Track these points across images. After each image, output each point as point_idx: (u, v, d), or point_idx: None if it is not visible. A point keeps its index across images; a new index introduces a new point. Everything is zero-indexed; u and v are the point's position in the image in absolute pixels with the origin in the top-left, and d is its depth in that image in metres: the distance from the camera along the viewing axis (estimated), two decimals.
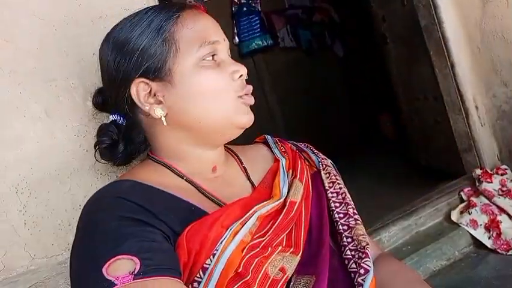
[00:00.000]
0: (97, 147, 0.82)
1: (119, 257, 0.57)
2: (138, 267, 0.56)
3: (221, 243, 0.64)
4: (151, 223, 0.62)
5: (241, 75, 0.74)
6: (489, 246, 1.68)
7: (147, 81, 0.71)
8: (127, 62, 0.71)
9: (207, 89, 0.70)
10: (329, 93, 3.90)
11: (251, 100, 0.76)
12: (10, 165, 0.97)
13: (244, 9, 3.61)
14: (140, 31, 0.71)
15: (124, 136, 0.79)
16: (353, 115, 4.03)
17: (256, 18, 3.64)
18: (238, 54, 3.55)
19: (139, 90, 0.72)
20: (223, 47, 0.75)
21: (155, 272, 0.57)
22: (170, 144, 0.75)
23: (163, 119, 0.72)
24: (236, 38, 3.61)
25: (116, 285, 0.55)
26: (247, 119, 0.75)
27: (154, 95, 0.72)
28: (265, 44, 3.66)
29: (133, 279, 0.56)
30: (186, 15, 0.72)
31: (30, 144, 0.98)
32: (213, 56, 0.72)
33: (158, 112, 0.72)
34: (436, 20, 1.92)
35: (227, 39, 0.77)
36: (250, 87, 0.76)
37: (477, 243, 1.73)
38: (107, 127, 0.80)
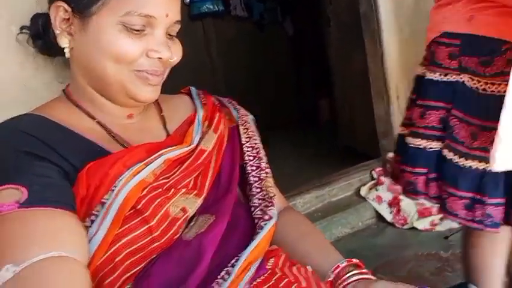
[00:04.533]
0: (22, 29, 0.81)
1: (7, 186, 0.58)
2: (25, 196, 0.58)
3: (120, 180, 0.66)
4: (49, 159, 0.64)
5: (159, 58, 0.71)
6: (389, 220, 1.89)
7: (68, 9, 0.70)
8: None
9: (113, 51, 0.68)
10: (274, 69, 3.98)
11: (152, 79, 0.73)
12: None
13: None
14: None
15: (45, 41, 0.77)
16: (295, 94, 4.16)
17: None
18: (188, 15, 3.50)
19: (58, 12, 0.70)
20: (160, 23, 0.70)
21: (41, 203, 0.59)
22: (84, 85, 0.74)
23: (66, 50, 0.72)
24: None
25: (0, 211, 0.56)
26: (142, 93, 0.73)
27: (69, 25, 0.70)
28: (216, 9, 3.62)
29: (18, 208, 0.57)
30: None
31: None
32: (140, 28, 0.68)
33: (64, 42, 0.71)
34: (374, 8, 2.04)
35: (176, 13, 0.72)
36: (160, 69, 0.73)
37: (379, 217, 1.93)
38: (36, 18, 0.78)
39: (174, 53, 0.74)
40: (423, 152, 1.00)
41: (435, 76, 1.01)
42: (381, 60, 2.11)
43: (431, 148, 1.00)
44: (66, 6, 0.69)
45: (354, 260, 0.81)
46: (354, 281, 0.77)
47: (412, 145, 1.02)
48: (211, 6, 3.62)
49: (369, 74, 2.19)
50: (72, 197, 0.64)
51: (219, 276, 0.69)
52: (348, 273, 0.78)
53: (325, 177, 1.98)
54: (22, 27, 0.81)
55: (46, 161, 0.63)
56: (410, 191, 1.04)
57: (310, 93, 4.11)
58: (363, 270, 0.80)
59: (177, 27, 0.74)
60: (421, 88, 1.05)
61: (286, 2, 4.08)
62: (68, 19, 0.70)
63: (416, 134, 1.02)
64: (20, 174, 0.60)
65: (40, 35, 0.78)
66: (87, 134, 0.72)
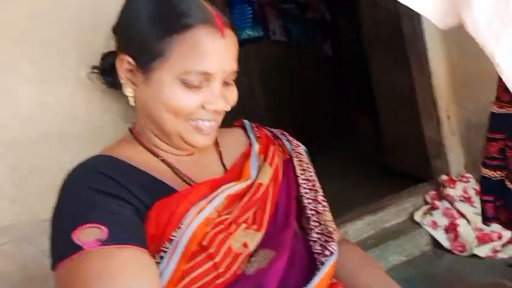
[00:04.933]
0: (93, 68, 0.86)
1: (89, 225, 0.62)
2: (105, 235, 0.61)
3: (186, 218, 0.69)
4: (122, 197, 0.67)
5: (214, 110, 0.74)
6: (446, 246, 1.81)
7: (133, 62, 0.73)
8: (130, 34, 0.73)
9: (171, 105, 0.72)
10: (314, 90, 3.98)
11: (205, 129, 0.75)
12: (2, 124, 1.00)
13: None
14: (147, 16, 0.70)
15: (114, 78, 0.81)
16: (336, 114, 4.13)
17: (250, 8, 3.67)
18: None
19: (123, 64, 0.74)
20: (217, 77, 0.72)
21: (120, 241, 0.62)
22: (146, 128, 0.78)
23: (130, 99, 0.76)
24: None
25: (83, 249, 0.60)
26: (197, 141, 0.76)
27: (133, 76, 0.74)
28: (256, 35, 3.69)
29: (100, 245, 0.60)
30: (196, 32, 0.68)
31: (23, 105, 1.02)
32: (198, 84, 0.71)
33: (128, 91, 0.76)
34: (419, 31, 2.02)
35: (233, 65, 0.73)
36: (214, 118, 0.76)
37: (436, 243, 1.85)
38: (106, 57, 0.83)
39: (229, 101, 0.77)
40: (489, 181, 1.06)
41: (494, 109, 1.08)
42: (429, 79, 2.08)
43: (495, 177, 1.06)
44: (130, 59, 0.73)
45: None
46: None
47: (482, 174, 1.09)
48: (251, 33, 3.70)
49: (417, 94, 2.15)
50: (144, 234, 0.67)
51: None
52: None
53: (376, 202, 1.93)
54: (93, 67, 0.86)
55: (120, 199, 0.67)
56: (483, 218, 1.11)
57: (349, 112, 4.07)
58: None
59: (234, 75, 0.76)
60: (488, 121, 1.13)
61: (325, 24, 4.10)
62: (132, 70, 0.74)
63: (484, 164, 1.09)
64: (99, 213, 0.64)
65: (109, 72, 0.82)
66: (153, 172, 0.75)
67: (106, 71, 0.83)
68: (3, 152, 1.01)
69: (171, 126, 0.74)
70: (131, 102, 0.76)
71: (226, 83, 0.75)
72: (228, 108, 0.77)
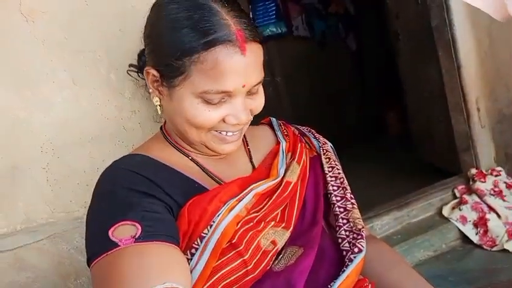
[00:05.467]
0: (130, 66, 0.88)
1: (124, 222, 0.64)
2: (140, 232, 0.64)
3: (218, 216, 0.71)
4: (155, 195, 0.69)
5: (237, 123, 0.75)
6: (475, 241, 1.77)
7: (157, 75, 0.74)
8: (154, 49, 0.75)
9: (193, 120, 0.73)
10: (338, 85, 3.94)
11: (229, 139, 0.76)
12: (37, 127, 1.06)
13: None
14: (169, 33, 0.70)
15: None
16: (361, 108, 4.08)
17: (273, 4, 3.67)
18: None
19: (150, 74, 0.76)
20: (237, 93, 0.72)
21: (154, 237, 0.64)
22: (173, 124, 0.79)
23: (158, 108, 0.78)
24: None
25: (119, 246, 0.62)
26: (221, 149, 0.77)
27: (160, 85, 0.76)
28: (279, 31, 3.69)
29: (134, 242, 0.63)
30: (216, 52, 0.67)
31: (57, 109, 1.07)
32: (218, 101, 0.71)
33: (155, 100, 0.78)
34: (447, 22, 1.97)
35: (254, 79, 0.72)
36: (237, 130, 0.76)
37: (464, 238, 1.81)
38: (141, 55, 0.84)
39: (254, 110, 0.77)
40: None
41: None
42: (458, 72, 2.02)
43: None
44: (155, 72, 0.74)
45: None
46: None
47: None
48: (274, 29, 3.70)
49: (445, 87, 2.10)
50: (177, 231, 0.69)
51: None
52: None
53: (403, 197, 1.91)
54: (130, 65, 0.87)
55: (153, 197, 0.69)
56: None
57: (376, 108, 4.01)
58: None
59: (258, 86, 0.75)
60: None
61: (348, 18, 4.05)
62: (158, 81, 0.75)
63: None
64: (133, 210, 0.66)
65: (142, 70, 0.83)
66: (184, 171, 0.77)
67: (142, 69, 0.83)
68: (40, 155, 1.06)
69: (194, 137, 0.76)
70: (159, 110, 0.78)
71: (251, 92, 0.75)
72: (251, 118, 0.78)
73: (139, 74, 0.85)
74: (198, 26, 0.68)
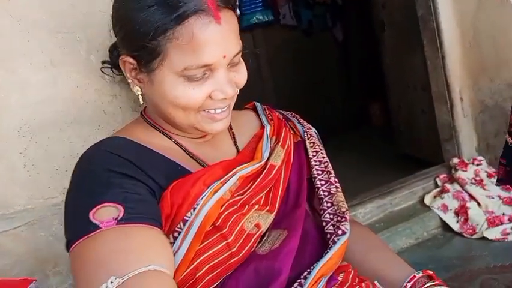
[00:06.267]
0: (104, 63, 0.86)
1: (105, 204, 0.63)
2: (122, 213, 0.62)
3: (201, 198, 0.70)
4: (137, 178, 0.68)
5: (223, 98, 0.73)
6: (456, 229, 1.80)
7: (134, 63, 0.72)
8: (125, 35, 0.72)
9: (178, 101, 0.70)
10: (323, 75, 3.95)
11: (220, 116, 0.74)
12: (13, 109, 1.03)
13: None
14: (136, 15, 0.67)
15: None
16: (345, 99, 4.10)
17: None
18: None
19: (126, 63, 0.73)
20: (219, 65, 0.69)
21: (137, 219, 0.63)
22: (158, 110, 0.78)
23: (139, 97, 0.76)
24: (237, 10, 3.61)
25: (100, 228, 0.61)
26: (211, 128, 0.75)
27: (138, 74, 0.73)
28: (266, 19, 3.66)
29: (116, 224, 0.61)
30: (189, 25, 0.65)
31: (34, 91, 1.04)
32: (201, 75, 0.69)
33: (136, 89, 0.76)
34: (433, 11, 1.98)
35: (233, 48, 0.70)
36: (225, 105, 0.74)
37: (445, 226, 1.85)
38: (112, 50, 0.82)
39: (239, 83, 0.75)
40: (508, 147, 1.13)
41: None
42: (442, 63, 2.04)
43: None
44: (131, 59, 0.72)
45: (429, 271, 0.80)
46: None
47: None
48: (261, 17, 3.66)
49: (430, 76, 2.12)
50: (159, 214, 0.68)
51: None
52: (425, 284, 0.78)
53: (386, 185, 1.93)
54: (103, 61, 0.86)
55: (135, 179, 0.68)
56: (496, 180, 1.21)
57: (360, 99, 4.04)
58: (439, 282, 0.79)
59: (238, 56, 0.73)
60: None
61: (335, 8, 4.04)
62: (136, 69, 0.73)
63: (509, 133, 1.14)
64: (114, 192, 0.64)
65: (117, 64, 0.82)
66: (167, 153, 0.76)
67: (116, 64, 0.81)
68: (16, 138, 1.03)
69: (182, 120, 0.74)
70: (141, 99, 0.76)
71: (232, 64, 0.73)
72: (237, 91, 0.76)
73: (113, 70, 0.84)
74: (166, 1, 0.65)
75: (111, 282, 0.56)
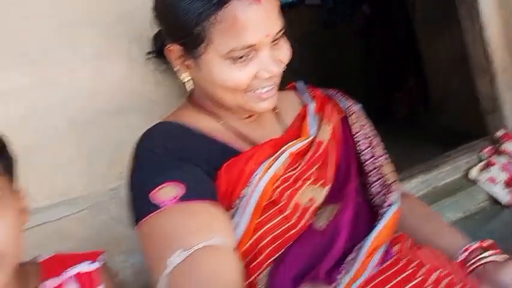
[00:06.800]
0: (149, 54, 0.91)
1: (167, 183, 0.66)
2: (184, 191, 0.65)
3: (256, 175, 0.73)
4: (191, 160, 0.72)
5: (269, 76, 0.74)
6: (506, 201, 1.75)
7: (180, 49, 0.75)
8: (170, 24, 0.75)
9: (226, 84, 0.72)
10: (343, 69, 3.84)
11: (267, 94, 0.76)
12: (66, 101, 1.07)
13: None
14: (185, 6, 0.69)
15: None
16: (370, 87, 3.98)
17: None
18: None
19: (172, 52, 0.76)
20: (262, 45, 0.71)
21: (198, 196, 0.66)
22: (206, 94, 0.80)
23: (187, 84, 0.79)
24: None
25: (163, 206, 0.64)
26: (259, 107, 0.77)
27: (185, 60, 0.76)
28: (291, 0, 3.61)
29: (180, 201, 0.64)
30: (231, 8, 0.67)
31: (84, 83, 1.08)
32: (245, 55, 0.71)
33: (184, 76, 0.79)
34: None
35: (275, 27, 0.72)
36: (272, 84, 0.76)
37: (493, 199, 1.79)
38: (156, 38, 0.87)
39: (283, 60, 0.77)
40: None
41: None
42: (480, 33, 1.96)
43: None
44: (178, 47, 0.75)
45: (485, 243, 0.80)
46: (487, 262, 0.76)
47: None
48: None
49: (469, 50, 2.04)
50: (215, 192, 0.71)
51: (345, 261, 0.73)
52: (479, 255, 0.77)
53: (429, 160, 1.89)
54: (148, 52, 0.90)
55: (190, 162, 0.71)
56: None
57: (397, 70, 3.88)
58: (497, 251, 0.78)
59: (280, 33, 0.75)
60: None
61: None
62: (183, 55, 0.76)
63: None
64: (175, 171, 0.68)
65: (162, 54, 0.85)
66: (216, 136, 0.79)
67: (161, 53, 0.84)
68: (69, 128, 1.08)
69: (230, 101, 0.76)
70: (189, 86, 0.79)
71: (275, 42, 0.74)
72: (283, 67, 0.78)
73: (157, 60, 0.88)
74: None
75: (178, 255, 0.60)
